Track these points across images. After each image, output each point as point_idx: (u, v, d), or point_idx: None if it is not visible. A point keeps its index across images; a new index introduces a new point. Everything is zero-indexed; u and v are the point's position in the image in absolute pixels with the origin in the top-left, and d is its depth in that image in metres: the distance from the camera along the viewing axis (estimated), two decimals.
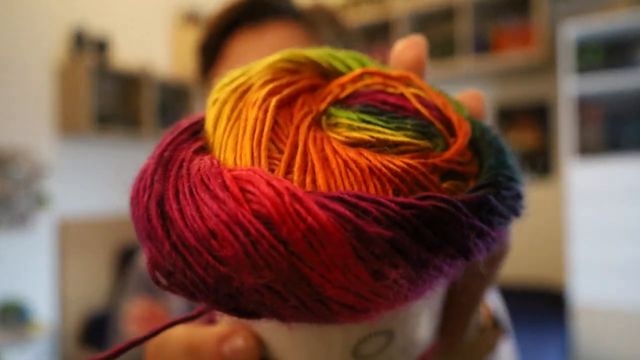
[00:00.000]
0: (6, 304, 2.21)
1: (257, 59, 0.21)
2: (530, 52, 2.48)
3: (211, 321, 0.24)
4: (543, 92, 2.70)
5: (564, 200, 2.44)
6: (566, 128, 2.15)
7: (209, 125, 0.19)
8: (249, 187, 0.15)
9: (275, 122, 0.18)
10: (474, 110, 0.21)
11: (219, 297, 0.16)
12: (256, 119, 0.18)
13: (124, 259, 2.69)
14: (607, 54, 2.20)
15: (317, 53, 0.21)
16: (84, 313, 2.58)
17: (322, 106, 0.19)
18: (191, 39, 2.90)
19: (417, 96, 0.20)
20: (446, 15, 2.78)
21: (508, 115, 2.81)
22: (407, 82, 0.20)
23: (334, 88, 0.20)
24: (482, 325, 0.24)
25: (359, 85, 0.20)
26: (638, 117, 2.23)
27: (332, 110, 0.19)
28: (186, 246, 0.15)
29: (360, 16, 2.95)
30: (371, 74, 0.20)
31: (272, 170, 0.17)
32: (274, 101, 0.19)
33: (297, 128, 0.18)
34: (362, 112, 0.19)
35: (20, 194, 2.33)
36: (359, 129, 0.18)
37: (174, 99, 3.02)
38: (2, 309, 2.19)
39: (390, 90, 0.20)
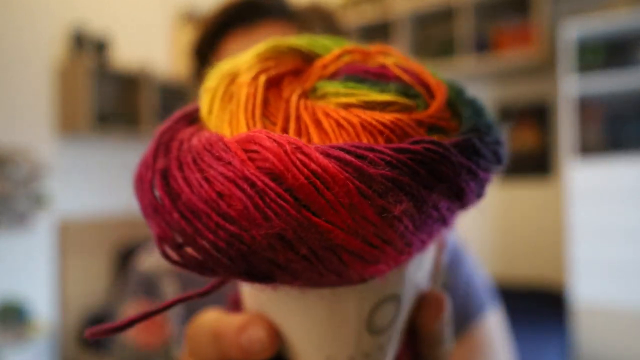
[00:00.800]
0: (6, 304, 2.21)
1: None
2: (530, 52, 2.47)
3: (237, 306, 0.24)
4: (543, 92, 2.70)
5: (564, 200, 2.44)
6: (566, 128, 2.15)
7: (203, 110, 0.20)
8: (252, 146, 0.16)
9: (265, 100, 0.19)
10: None
11: (231, 261, 0.16)
12: (248, 95, 0.19)
13: (124, 259, 2.68)
14: (608, 54, 2.20)
15: (299, 40, 0.22)
16: (84, 313, 2.57)
17: (309, 84, 0.20)
18: (191, 39, 2.88)
19: (396, 64, 0.21)
20: (446, 15, 2.78)
21: (508, 115, 2.81)
22: (386, 55, 0.22)
23: (317, 68, 0.21)
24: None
25: (341, 63, 0.21)
26: (638, 117, 2.22)
27: (318, 84, 0.20)
28: (194, 212, 0.16)
29: (360, 16, 2.95)
30: (350, 52, 0.22)
31: None
32: (263, 77, 0.20)
33: (288, 101, 0.19)
34: (346, 81, 0.20)
35: (20, 194, 2.33)
36: (346, 94, 0.19)
37: (174, 99, 3.02)
38: (1, 309, 2.19)
39: (371, 63, 0.21)
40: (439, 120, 0.19)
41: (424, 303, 0.22)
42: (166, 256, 0.17)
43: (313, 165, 0.15)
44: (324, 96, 0.19)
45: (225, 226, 0.15)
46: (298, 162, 0.15)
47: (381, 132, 0.17)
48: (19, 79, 2.36)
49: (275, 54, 0.21)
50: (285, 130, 0.18)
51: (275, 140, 0.16)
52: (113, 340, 0.58)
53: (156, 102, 2.85)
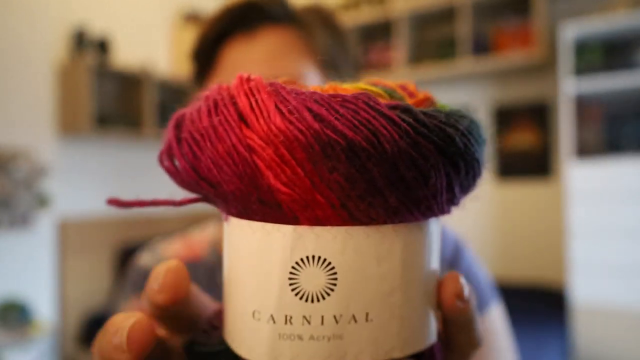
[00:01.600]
0: (7, 303, 2.21)
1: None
2: (530, 52, 2.48)
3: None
4: (542, 92, 2.71)
5: (563, 200, 2.44)
6: (565, 128, 2.15)
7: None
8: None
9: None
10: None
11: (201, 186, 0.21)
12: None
13: (124, 259, 2.69)
14: (607, 55, 2.20)
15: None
16: (84, 313, 2.58)
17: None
18: (191, 39, 2.89)
19: (398, 84, 0.23)
20: (446, 15, 2.78)
21: (508, 115, 2.81)
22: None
23: None
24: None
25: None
26: (637, 118, 2.23)
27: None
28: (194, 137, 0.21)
29: (360, 16, 2.95)
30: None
31: None
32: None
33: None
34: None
35: (20, 194, 2.34)
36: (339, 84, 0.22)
37: (174, 99, 3.02)
38: (2, 308, 2.20)
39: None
40: None
41: (439, 285, 0.22)
42: (162, 163, 0.22)
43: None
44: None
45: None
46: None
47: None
48: (19, 80, 2.37)
49: None
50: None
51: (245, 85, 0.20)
52: None
53: (156, 102, 2.85)
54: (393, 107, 0.19)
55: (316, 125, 0.18)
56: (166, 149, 0.22)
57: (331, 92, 0.20)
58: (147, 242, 2.55)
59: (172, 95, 3.02)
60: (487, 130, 0.22)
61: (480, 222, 2.88)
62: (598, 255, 2.07)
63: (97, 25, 2.70)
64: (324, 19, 0.55)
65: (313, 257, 0.19)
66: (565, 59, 2.16)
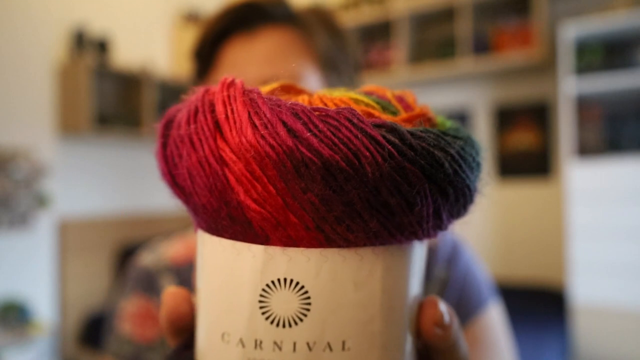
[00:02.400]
0: (7, 303, 2.21)
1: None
2: (530, 52, 2.48)
3: None
4: (543, 92, 2.71)
5: (563, 200, 2.44)
6: (566, 128, 2.15)
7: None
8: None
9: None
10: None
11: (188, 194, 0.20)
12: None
13: (124, 259, 2.69)
14: (607, 54, 2.20)
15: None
16: (84, 313, 2.58)
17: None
18: (191, 39, 2.89)
19: (395, 94, 0.22)
20: (446, 15, 2.78)
21: (508, 115, 2.81)
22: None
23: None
24: None
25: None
26: (637, 117, 2.23)
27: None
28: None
29: (360, 16, 2.95)
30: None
31: None
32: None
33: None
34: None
35: (20, 194, 2.34)
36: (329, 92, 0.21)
37: (174, 99, 3.00)
38: (2, 308, 2.20)
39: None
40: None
41: (418, 311, 0.21)
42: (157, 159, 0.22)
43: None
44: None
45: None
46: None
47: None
48: (19, 79, 2.37)
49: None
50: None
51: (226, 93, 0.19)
52: (109, 338, 0.58)
53: (156, 102, 2.85)
54: (378, 126, 0.17)
55: (289, 142, 0.17)
56: (159, 149, 0.22)
57: (315, 104, 0.19)
58: (147, 242, 2.55)
59: (172, 95, 3.02)
60: (484, 151, 0.21)
61: (480, 222, 2.88)
62: (598, 255, 2.07)
63: (97, 25, 2.70)
64: (324, 20, 0.55)
65: (285, 279, 0.18)
66: (565, 59, 2.16)
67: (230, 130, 0.18)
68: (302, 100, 0.20)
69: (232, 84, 0.19)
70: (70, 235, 2.55)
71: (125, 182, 2.88)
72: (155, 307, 0.56)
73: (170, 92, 3.01)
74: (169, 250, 0.59)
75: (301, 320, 0.18)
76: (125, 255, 2.69)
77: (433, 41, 2.90)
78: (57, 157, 2.52)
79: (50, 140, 2.49)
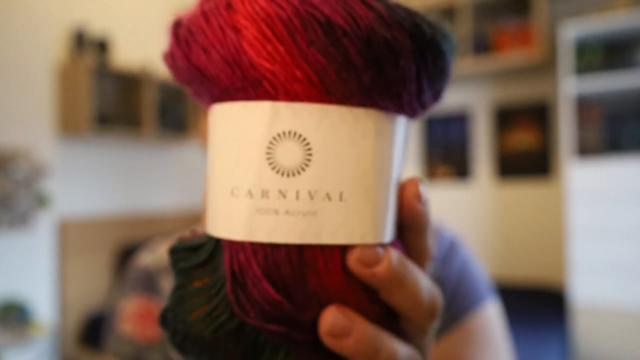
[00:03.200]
0: (7, 303, 2.21)
1: None
2: (530, 52, 2.48)
3: None
4: (543, 92, 2.71)
5: (563, 200, 2.44)
6: (566, 128, 2.16)
7: None
8: None
9: None
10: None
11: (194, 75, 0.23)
12: None
13: (124, 258, 2.69)
14: (607, 54, 2.20)
15: None
16: (84, 313, 2.58)
17: None
18: None
19: None
20: (446, 15, 2.78)
21: (508, 115, 2.81)
22: None
23: None
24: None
25: None
26: (637, 118, 2.23)
27: None
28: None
29: None
30: None
31: None
32: None
33: None
34: None
35: (20, 194, 2.34)
36: None
37: (174, 99, 3.02)
38: (2, 308, 2.20)
39: None
40: None
41: (400, 188, 0.23)
42: (165, 60, 0.25)
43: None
44: None
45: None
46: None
47: None
48: (19, 79, 2.37)
49: None
50: None
51: None
52: (109, 338, 0.58)
53: (156, 102, 2.85)
54: None
55: (296, 2, 0.20)
56: (169, 46, 0.25)
57: None
58: (147, 242, 2.55)
59: (172, 95, 3.02)
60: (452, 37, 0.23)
61: (480, 222, 2.88)
62: (598, 255, 2.07)
63: (97, 25, 2.70)
64: None
65: (289, 132, 0.20)
66: (565, 59, 2.16)
67: (243, 3, 0.20)
68: None
69: None
70: (70, 235, 2.55)
71: (125, 182, 2.88)
72: (156, 307, 0.57)
73: (170, 92, 3.01)
74: None
75: (304, 170, 0.20)
76: (125, 255, 2.69)
77: None
78: (57, 157, 2.52)
79: (50, 140, 2.49)
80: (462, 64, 2.63)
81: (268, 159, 0.20)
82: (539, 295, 2.46)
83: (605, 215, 2.05)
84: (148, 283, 0.57)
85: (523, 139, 2.76)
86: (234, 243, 0.21)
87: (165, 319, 0.23)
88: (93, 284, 2.66)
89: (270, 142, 0.20)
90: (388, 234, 0.22)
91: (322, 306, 0.21)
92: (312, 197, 0.20)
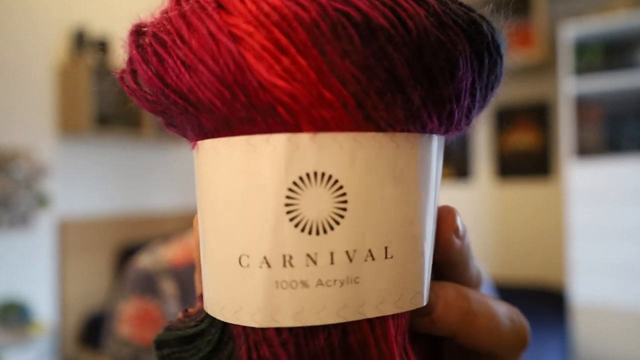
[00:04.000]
0: (7, 303, 2.22)
1: None
2: (530, 52, 2.48)
3: None
4: (543, 92, 2.71)
5: (563, 200, 2.44)
6: (565, 128, 2.15)
7: None
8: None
9: None
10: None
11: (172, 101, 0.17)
12: None
13: (124, 259, 2.69)
14: (607, 55, 2.20)
15: None
16: (84, 313, 2.58)
17: None
18: None
19: None
20: None
21: (508, 115, 2.81)
22: None
23: None
24: None
25: None
26: (637, 118, 2.23)
27: None
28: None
29: None
30: None
31: None
32: None
33: None
34: None
35: (20, 194, 2.34)
36: None
37: None
38: (2, 308, 2.20)
39: None
40: None
41: (437, 221, 0.19)
42: (122, 82, 0.19)
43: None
44: None
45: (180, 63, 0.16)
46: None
47: None
48: (19, 79, 2.37)
49: None
50: None
51: None
52: (108, 339, 0.59)
53: None
54: None
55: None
56: (127, 62, 0.18)
57: None
58: (147, 242, 2.55)
59: None
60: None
61: (480, 222, 2.88)
62: (598, 255, 2.07)
63: (97, 25, 2.70)
64: None
65: (315, 173, 0.15)
66: (565, 59, 2.16)
67: (242, 1, 0.15)
68: None
69: None
70: (70, 235, 2.55)
71: (125, 182, 2.88)
72: (155, 309, 0.57)
73: None
74: (168, 253, 0.60)
75: (337, 223, 0.15)
76: (125, 255, 2.70)
77: None
78: (57, 157, 2.52)
79: (50, 140, 2.49)
80: None
81: (288, 212, 0.15)
82: (539, 295, 2.46)
83: (605, 215, 2.05)
84: (147, 285, 0.57)
85: (523, 139, 2.76)
86: (252, 331, 0.16)
87: None
88: (93, 284, 2.66)
89: (290, 190, 0.15)
90: (427, 291, 0.18)
91: None
92: (351, 259, 0.15)
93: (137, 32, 0.18)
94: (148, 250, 0.63)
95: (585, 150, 2.21)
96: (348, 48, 0.14)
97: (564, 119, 2.16)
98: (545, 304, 2.33)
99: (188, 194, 3.24)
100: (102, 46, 2.63)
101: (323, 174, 0.15)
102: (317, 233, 0.15)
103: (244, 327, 0.16)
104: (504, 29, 0.19)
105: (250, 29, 0.15)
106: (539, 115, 2.72)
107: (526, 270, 2.74)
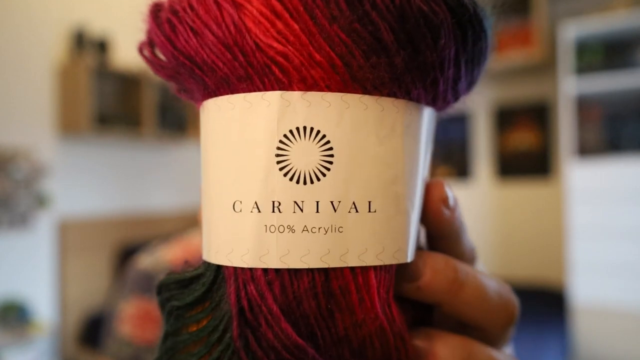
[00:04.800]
0: (6, 304, 2.22)
1: None
2: (530, 52, 2.48)
3: None
4: (543, 92, 2.70)
5: (563, 200, 2.44)
6: (566, 128, 2.15)
7: None
8: None
9: None
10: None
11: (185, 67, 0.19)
12: None
13: (124, 259, 2.69)
14: (607, 54, 2.20)
15: None
16: (84, 313, 2.58)
17: None
18: None
19: None
20: None
21: (508, 115, 2.81)
22: None
23: None
24: None
25: None
26: (637, 117, 2.23)
27: None
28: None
29: None
30: None
31: None
32: None
33: None
34: None
35: (20, 194, 2.34)
36: None
37: (174, 99, 3.02)
38: (2, 309, 2.20)
39: None
40: None
41: (425, 191, 0.20)
42: (141, 52, 0.21)
43: None
44: None
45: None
46: None
47: None
48: (19, 79, 2.37)
49: None
50: None
51: None
52: (108, 339, 0.59)
53: (156, 102, 2.85)
54: None
55: None
56: (146, 34, 0.21)
57: None
58: (147, 242, 2.55)
59: (172, 96, 3.01)
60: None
61: (480, 222, 2.88)
62: (598, 255, 2.07)
63: (97, 25, 2.70)
64: None
65: (304, 128, 0.16)
66: (565, 59, 2.16)
67: None
68: None
69: None
70: (70, 235, 2.55)
71: (125, 182, 2.88)
72: (155, 309, 0.57)
73: (170, 92, 3.00)
74: (168, 253, 0.60)
75: (324, 175, 0.16)
76: (125, 255, 2.69)
77: None
78: (57, 157, 2.52)
79: (50, 140, 2.49)
80: None
81: (278, 162, 0.16)
82: (539, 295, 2.46)
83: (605, 215, 2.05)
84: (147, 285, 0.57)
85: (523, 139, 2.76)
86: (241, 272, 0.17)
87: None
88: (93, 284, 2.66)
89: (281, 142, 0.16)
90: (413, 250, 0.19)
91: (354, 352, 0.17)
92: (335, 209, 0.16)
93: (155, 7, 0.20)
94: (148, 251, 0.63)
95: (585, 150, 2.21)
96: (336, 13, 0.16)
97: (564, 119, 2.16)
98: (545, 304, 2.33)
99: (188, 194, 3.24)
100: (102, 46, 2.63)
101: (312, 129, 0.16)
102: (305, 183, 0.16)
103: (235, 268, 0.17)
104: (497, 21, 0.20)
105: None
106: (539, 115, 2.72)
107: (526, 270, 2.74)
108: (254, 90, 0.17)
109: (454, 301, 0.18)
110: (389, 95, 0.17)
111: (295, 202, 0.16)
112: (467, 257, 0.21)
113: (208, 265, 0.18)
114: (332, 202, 0.16)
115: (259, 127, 0.17)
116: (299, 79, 0.16)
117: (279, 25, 0.16)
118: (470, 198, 2.90)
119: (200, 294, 0.18)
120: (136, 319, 0.56)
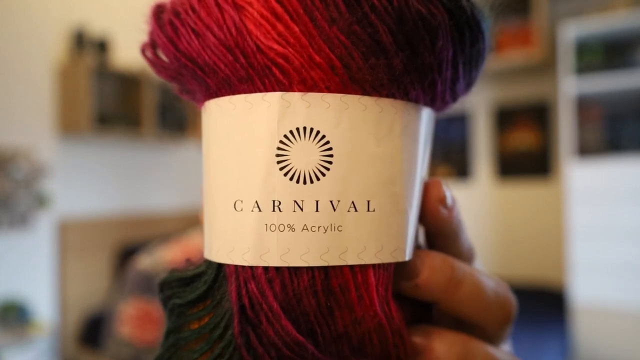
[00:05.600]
0: (6, 304, 2.21)
1: None
2: (530, 52, 2.48)
3: None
4: (543, 92, 2.70)
5: (563, 200, 2.44)
6: (566, 128, 2.15)
7: None
8: None
9: None
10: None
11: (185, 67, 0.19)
12: None
13: (124, 259, 2.69)
14: (607, 54, 2.20)
15: None
16: (84, 313, 2.58)
17: None
18: None
19: None
20: None
21: (508, 115, 2.81)
22: None
23: None
24: None
25: None
26: (637, 117, 2.23)
27: None
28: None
29: None
30: None
31: None
32: None
33: None
34: None
35: (20, 194, 2.34)
36: None
37: (174, 99, 3.02)
38: (2, 309, 2.20)
39: None
40: None
41: (423, 191, 0.20)
42: (144, 54, 0.21)
43: None
44: None
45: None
46: None
47: None
48: (19, 79, 2.37)
49: None
50: None
51: None
52: (108, 340, 0.59)
53: (156, 102, 2.85)
54: None
55: None
56: (148, 36, 0.21)
57: None
58: (146, 242, 2.55)
59: (172, 95, 3.02)
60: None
61: (480, 222, 2.88)
62: (598, 255, 2.07)
63: (97, 25, 2.70)
64: None
65: (304, 128, 0.17)
66: (565, 59, 2.16)
67: None
68: None
69: None
70: (70, 235, 2.55)
71: (125, 182, 2.88)
72: (155, 309, 0.57)
73: (170, 92, 3.00)
74: (167, 254, 0.60)
75: (323, 175, 0.17)
76: (125, 256, 2.69)
77: None
78: (57, 157, 2.52)
79: (50, 140, 2.49)
80: None
81: (279, 162, 0.17)
82: (539, 295, 2.46)
83: (605, 215, 2.05)
84: (147, 286, 0.57)
85: (523, 139, 2.76)
86: (242, 270, 0.17)
87: None
88: (93, 284, 2.66)
89: (281, 142, 0.17)
90: (411, 250, 0.19)
91: (353, 349, 0.17)
92: (334, 208, 0.17)
93: (158, 9, 0.21)
94: (148, 252, 0.63)
95: (585, 150, 2.21)
96: (335, 16, 0.16)
97: (564, 119, 2.16)
98: (545, 304, 2.33)
99: (188, 194, 3.24)
100: (102, 46, 2.63)
101: (312, 129, 0.17)
102: (304, 182, 0.17)
103: (236, 267, 0.17)
104: (495, 22, 0.20)
105: None
106: (539, 115, 2.72)
107: (526, 270, 2.74)
108: (255, 91, 0.17)
109: (452, 299, 0.19)
110: (387, 96, 0.17)
111: (295, 201, 0.17)
112: (465, 256, 0.21)
113: (209, 263, 0.19)
114: (331, 202, 0.17)
115: (259, 128, 0.17)
116: (299, 80, 0.17)
117: (280, 27, 0.16)
118: (470, 198, 2.90)
119: (202, 291, 0.19)
120: (136, 320, 0.56)
